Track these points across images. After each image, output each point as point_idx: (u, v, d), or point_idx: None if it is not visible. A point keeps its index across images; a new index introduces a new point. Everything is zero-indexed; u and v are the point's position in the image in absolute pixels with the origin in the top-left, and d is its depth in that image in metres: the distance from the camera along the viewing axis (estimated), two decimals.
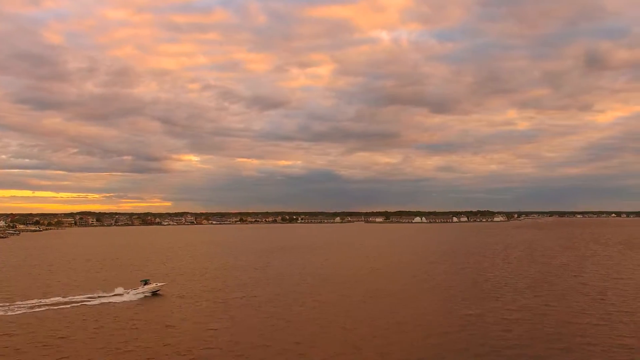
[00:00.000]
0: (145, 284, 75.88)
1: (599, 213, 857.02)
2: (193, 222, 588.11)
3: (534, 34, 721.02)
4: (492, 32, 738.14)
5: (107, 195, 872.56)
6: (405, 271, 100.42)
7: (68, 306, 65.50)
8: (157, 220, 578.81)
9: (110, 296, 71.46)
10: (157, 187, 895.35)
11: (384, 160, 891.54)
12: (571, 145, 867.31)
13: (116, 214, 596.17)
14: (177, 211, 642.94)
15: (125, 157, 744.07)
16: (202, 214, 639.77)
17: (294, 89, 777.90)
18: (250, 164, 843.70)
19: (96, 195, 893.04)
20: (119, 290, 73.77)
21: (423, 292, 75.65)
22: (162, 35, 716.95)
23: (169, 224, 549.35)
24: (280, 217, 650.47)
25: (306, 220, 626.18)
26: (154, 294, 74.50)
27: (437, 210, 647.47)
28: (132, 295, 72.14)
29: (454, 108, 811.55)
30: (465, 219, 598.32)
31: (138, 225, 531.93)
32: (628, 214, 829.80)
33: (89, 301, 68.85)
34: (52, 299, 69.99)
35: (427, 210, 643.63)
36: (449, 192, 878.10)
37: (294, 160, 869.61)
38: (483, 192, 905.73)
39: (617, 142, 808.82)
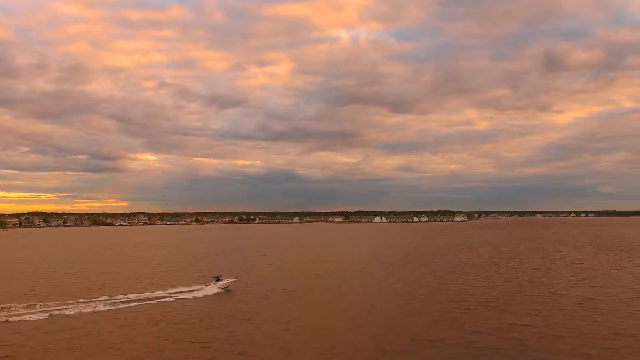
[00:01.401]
0: (217, 280, 75.85)
1: (558, 212, 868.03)
2: (147, 222, 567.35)
3: (494, 34, 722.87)
4: (451, 31, 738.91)
5: (61, 195, 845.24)
6: (351, 281, 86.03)
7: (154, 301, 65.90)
8: (109, 220, 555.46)
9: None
10: (113, 187, 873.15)
11: (344, 159, 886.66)
12: (530, 146, 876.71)
13: (68, 214, 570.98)
14: (133, 211, 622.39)
15: (79, 156, 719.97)
16: (157, 214, 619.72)
17: (253, 88, 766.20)
18: (208, 164, 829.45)
19: (49, 195, 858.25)
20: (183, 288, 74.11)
21: (368, 313, 61.35)
22: (116, 32, 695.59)
23: (121, 225, 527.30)
24: (237, 218, 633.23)
25: (264, 221, 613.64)
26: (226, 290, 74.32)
27: (398, 210, 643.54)
28: (208, 291, 72.12)
29: (413, 108, 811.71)
30: (426, 218, 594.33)
31: (88, 225, 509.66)
32: (587, 213, 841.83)
33: None
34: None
35: (387, 210, 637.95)
36: (409, 191, 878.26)
37: (253, 160, 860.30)
38: (443, 191, 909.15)
39: (575, 143, 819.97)
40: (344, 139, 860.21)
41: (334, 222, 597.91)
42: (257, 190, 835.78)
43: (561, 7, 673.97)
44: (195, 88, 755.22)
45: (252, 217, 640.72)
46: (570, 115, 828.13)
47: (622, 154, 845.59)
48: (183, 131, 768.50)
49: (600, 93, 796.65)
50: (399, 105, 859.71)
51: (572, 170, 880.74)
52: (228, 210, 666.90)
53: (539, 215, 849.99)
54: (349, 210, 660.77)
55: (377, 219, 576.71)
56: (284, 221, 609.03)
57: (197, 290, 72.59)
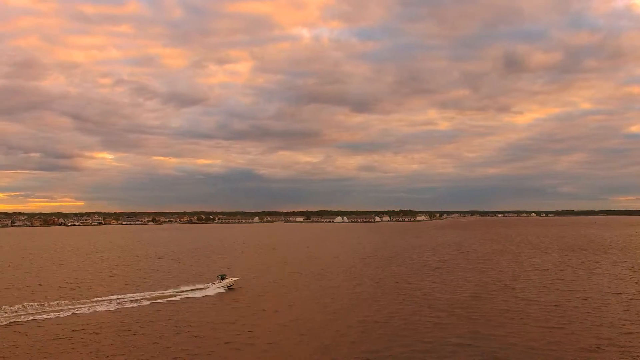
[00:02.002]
0: (222, 279, 75.37)
1: (519, 212, 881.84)
2: (101, 222, 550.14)
3: (454, 35, 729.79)
4: (413, 32, 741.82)
5: (13, 194, 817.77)
6: (307, 287, 79.40)
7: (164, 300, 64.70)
8: (61, 220, 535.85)
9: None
10: (69, 186, 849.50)
11: (306, 159, 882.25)
12: (490, 146, 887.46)
13: (18, 214, 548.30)
14: (90, 211, 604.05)
15: (32, 154, 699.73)
16: (113, 213, 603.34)
17: (212, 86, 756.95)
18: (168, 163, 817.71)
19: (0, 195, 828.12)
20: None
21: (323, 323, 54.80)
22: (70, 26, 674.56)
23: (74, 225, 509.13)
24: (196, 217, 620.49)
25: (224, 220, 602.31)
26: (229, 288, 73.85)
27: (360, 210, 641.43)
28: (212, 290, 71.20)
29: (375, 107, 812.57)
30: (388, 218, 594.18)
31: (39, 225, 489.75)
32: (547, 213, 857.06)
33: None
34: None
35: (349, 210, 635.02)
36: (371, 191, 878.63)
37: (213, 159, 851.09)
38: (405, 191, 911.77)
39: (534, 143, 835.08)
40: (305, 138, 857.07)
41: (295, 221, 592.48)
42: (217, 189, 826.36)
43: (520, 9, 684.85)
44: (153, 85, 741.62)
45: (211, 216, 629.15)
46: (529, 116, 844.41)
47: (579, 154, 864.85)
48: (141, 129, 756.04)
49: (559, 95, 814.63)
50: (361, 105, 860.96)
51: (531, 170, 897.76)
52: (188, 210, 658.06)
53: (500, 215, 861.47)
54: (310, 210, 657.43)
55: (339, 218, 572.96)
56: (244, 221, 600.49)
57: (202, 289, 72.13)
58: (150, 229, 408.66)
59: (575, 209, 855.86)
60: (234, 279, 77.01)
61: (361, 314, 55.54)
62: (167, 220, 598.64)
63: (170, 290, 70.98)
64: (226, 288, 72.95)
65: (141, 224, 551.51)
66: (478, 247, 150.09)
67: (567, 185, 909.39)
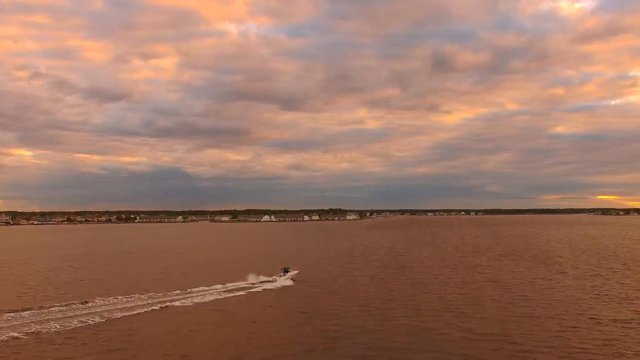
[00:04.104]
0: (286, 272, 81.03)
1: (448, 211, 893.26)
2: (9, 222, 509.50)
3: (384, 34, 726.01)
4: (342, 29, 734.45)
5: None
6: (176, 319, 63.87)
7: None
8: None
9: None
10: None
11: (234, 157, 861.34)
12: (420, 145, 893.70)
13: None
14: (6, 210, 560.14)
15: None
16: (25, 213, 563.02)
17: (137, 81, 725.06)
18: (90, 160, 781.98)
19: None
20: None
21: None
22: None
23: None
24: (115, 217, 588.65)
25: (145, 220, 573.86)
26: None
27: (289, 209, 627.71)
28: (282, 282, 77.24)
29: (304, 105, 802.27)
30: (317, 217, 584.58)
31: None
32: (476, 211, 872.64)
33: None
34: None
35: (278, 209, 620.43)
36: (301, 190, 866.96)
37: (138, 157, 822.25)
38: (335, 190, 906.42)
39: (462, 143, 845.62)
40: (234, 136, 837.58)
41: (220, 221, 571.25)
42: (143, 188, 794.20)
43: (449, 10, 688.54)
44: (73, 80, 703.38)
45: (132, 216, 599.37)
46: (458, 116, 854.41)
47: (507, 154, 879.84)
48: (61, 125, 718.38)
49: (487, 95, 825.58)
50: (290, 103, 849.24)
51: (460, 169, 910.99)
52: (111, 209, 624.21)
53: (430, 214, 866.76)
54: (238, 209, 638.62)
55: (266, 217, 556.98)
56: (166, 220, 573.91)
57: (271, 281, 77.38)
58: (55, 229, 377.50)
59: (503, 207, 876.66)
60: (295, 271, 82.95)
61: (264, 345, 41.32)
62: (83, 220, 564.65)
63: None
64: (291, 280, 79.23)
65: (55, 224, 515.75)
66: (411, 250, 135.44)
67: (494, 184, 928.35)
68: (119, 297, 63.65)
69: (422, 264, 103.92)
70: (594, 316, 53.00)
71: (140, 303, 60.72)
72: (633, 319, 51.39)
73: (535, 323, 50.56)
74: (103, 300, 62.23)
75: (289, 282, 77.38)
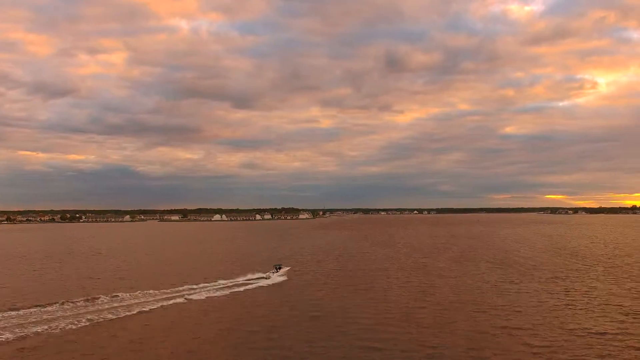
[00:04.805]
0: (278, 269, 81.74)
1: (401, 210, 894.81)
2: None
3: (336, 32, 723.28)
4: (294, 27, 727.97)
5: None
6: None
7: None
8: None
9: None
10: None
11: (186, 155, 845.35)
12: (372, 144, 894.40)
13: None
14: None
15: None
16: None
17: (84, 77, 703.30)
18: (35, 158, 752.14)
19: None
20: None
21: None
22: None
23: None
24: (59, 216, 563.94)
25: (91, 219, 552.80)
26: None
27: (241, 208, 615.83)
28: (275, 278, 76.79)
29: (256, 104, 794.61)
30: (270, 216, 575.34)
31: None
32: (429, 210, 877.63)
33: None
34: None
35: (230, 208, 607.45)
36: (253, 189, 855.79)
37: (86, 155, 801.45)
38: (288, 189, 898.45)
39: (415, 142, 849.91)
40: (185, 134, 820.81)
41: (170, 220, 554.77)
42: (91, 187, 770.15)
43: (401, 10, 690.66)
44: (16, 74, 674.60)
45: (77, 215, 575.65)
46: (410, 115, 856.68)
47: (458, 154, 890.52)
48: (4, 121, 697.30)
49: (438, 95, 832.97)
50: (242, 101, 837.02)
51: (412, 169, 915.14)
52: (57, 209, 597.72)
53: (383, 213, 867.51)
54: (189, 208, 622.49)
55: (217, 216, 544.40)
56: (113, 220, 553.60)
57: (265, 278, 76.86)
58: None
59: (455, 206, 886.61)
60: (286, 268, 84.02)
61: None
62: (25, 219, 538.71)
63: None
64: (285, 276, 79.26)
65: None
66: (366, 253, 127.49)
67: (446, 183, 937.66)
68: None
69: (378, 266, 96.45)
70: (576, 327, 46.34)
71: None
72: (620, 330, 44.89)
73: (513, 335, 43.51)
74: None
75: (284, 278, 78.14)
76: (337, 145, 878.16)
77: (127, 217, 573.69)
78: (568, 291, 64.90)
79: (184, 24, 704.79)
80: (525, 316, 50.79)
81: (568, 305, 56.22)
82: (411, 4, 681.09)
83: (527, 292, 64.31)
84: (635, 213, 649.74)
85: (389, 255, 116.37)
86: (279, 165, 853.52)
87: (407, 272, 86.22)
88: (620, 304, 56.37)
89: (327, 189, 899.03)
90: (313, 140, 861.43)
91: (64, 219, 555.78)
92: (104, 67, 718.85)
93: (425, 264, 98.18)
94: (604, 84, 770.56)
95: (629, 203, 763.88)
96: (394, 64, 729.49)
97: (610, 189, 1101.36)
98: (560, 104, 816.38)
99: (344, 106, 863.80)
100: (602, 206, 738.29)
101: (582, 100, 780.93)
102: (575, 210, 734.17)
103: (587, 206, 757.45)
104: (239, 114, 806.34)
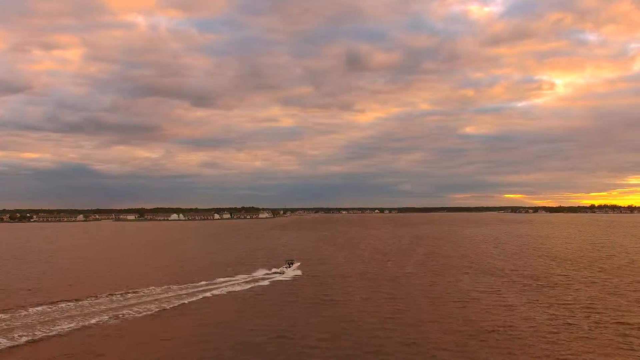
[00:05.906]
0: (291, 264, 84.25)
1: (363, 209, 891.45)
2: None
3: (297, 31, 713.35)
4: (254, 25, 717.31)
5: None
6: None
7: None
8: None
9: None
10: None
11: (144, 154, 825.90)
12: (333, 144, 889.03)
13: None
14: None
15: None
16: None
17: (38, 73, 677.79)
18: None
19: None
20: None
21: None
22: None
23: None
24: (8, 216, 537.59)
25: (43, 219, 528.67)
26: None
27: (200, 207, 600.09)
28: (290, 273, 79.67)
29: (216, 102, 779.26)
30: (229, 215, 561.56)
31: None
32: (390, 209, 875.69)
33: None
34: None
35: (189, 207, 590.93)
36: (214, 188, 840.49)
37: (41, 153, 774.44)
38: (249, 188, 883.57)
39: (376, 142, 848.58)
40: (144, 132, 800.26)
41: (125, 219, 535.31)
42: (46, 186, 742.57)
43: (361, 9, 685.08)
44: None
45: (28, 215, 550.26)
46: (371, 115, 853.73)
47: (418, 154, 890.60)
48: None
49: (399, 95, 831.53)
50: (202, 100, 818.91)
51: (374, 168, 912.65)
52: (9, 208, 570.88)
53: (344, 212, 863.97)
54: (147, 208, 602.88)
55: (174, 216, 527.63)
56: (66, 220, 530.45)
57: (280, 273, 79.09)
58: None
59: (416, 205, 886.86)
60: (298, 263, 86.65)
61: None
62: None
63: None
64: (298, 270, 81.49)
65: None
66: (330, 258, 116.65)
67: (407, 183, 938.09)
68: None
69: (341, 272, 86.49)
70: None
71: None
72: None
73: None
74: None
75: (299, 272, 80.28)
76: (298, 145, 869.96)
77: (81, 216, 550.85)
78: (551, 304, 56.10)
79: (141, 20, 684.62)
80: (518, 340, 41.58)
81: (562, 325, 47.32)
82: (372, 3, 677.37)
83: (509, 304, 55.27)
84: (594, 212, 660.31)
85: (353, 258, 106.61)
86: (240, 164, 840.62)
87: (372, 279, 76.62)
88: None
89: (288, 188, 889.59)
90: (274, 140, 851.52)
91: (12, 218, 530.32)
92: (60, 63, 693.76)
93: (394, 268, 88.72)
94: (561, 85, 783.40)
95: (586, 202, 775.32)
96: (354, 63, 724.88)
97: (567, 189, 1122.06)
98: (519, 104, 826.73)
99: (305, 105, 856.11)
100: (561, 205, 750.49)
101: (541, 101, 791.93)
102: (535, 209, 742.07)
103: (546, 205, 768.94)
104: (199, 113, 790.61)
